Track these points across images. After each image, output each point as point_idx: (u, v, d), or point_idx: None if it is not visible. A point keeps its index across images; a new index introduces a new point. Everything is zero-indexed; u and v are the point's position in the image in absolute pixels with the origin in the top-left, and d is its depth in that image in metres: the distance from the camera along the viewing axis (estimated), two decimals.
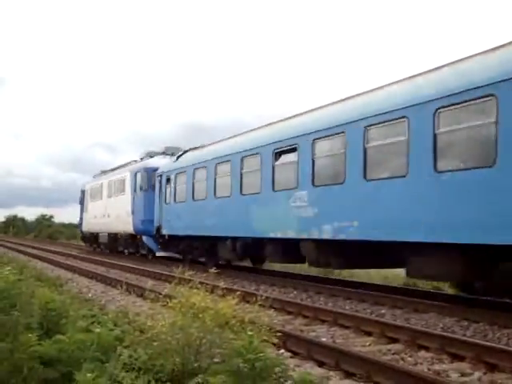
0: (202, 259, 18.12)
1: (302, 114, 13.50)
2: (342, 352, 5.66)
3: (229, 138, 17.01)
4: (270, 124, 14.78)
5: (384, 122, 9.82)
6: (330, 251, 11.44)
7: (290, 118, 13.94)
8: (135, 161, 25.96)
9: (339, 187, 10.74)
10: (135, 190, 23.59)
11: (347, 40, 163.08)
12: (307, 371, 4.95)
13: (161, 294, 5.25)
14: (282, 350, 6.22)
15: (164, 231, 19.83)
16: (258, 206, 13.63)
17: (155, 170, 21.60)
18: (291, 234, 12.18)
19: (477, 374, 5.38)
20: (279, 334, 5.02)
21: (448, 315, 8.62)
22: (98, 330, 4.86)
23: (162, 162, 21.98)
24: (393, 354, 6.29)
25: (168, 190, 19.75)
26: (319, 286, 12.37)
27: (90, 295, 11.03)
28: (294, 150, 12.28)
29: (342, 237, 10.58)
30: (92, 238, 31.88)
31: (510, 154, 7.45)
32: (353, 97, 11.74)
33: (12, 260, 15.18)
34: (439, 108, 8.54)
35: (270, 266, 18.24)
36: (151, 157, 24.05)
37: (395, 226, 9.38)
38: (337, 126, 10.96)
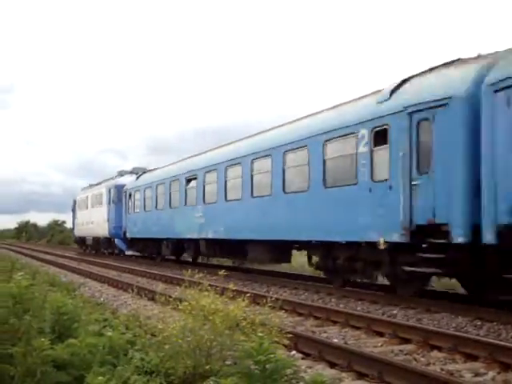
0: (154, 255, 24.41)
1: (194, 155, 20.78)
2: (353, 353, 5.64)
3: (166, 165, 23.79)
4: (184, 159, 21.88)
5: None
6: (213, 247, 17.85)
7: (194, 155, 20.88)
8: (112, 178, 31.74)
9: (215, 204, 17.07)
10: (109, 203, 29.57)
11: (350, 43, 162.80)
12: (319, 372, 4.93)
13: (171, 297, 5.28)
14: (294, 352, 6.21)
15: (128, 235, 26.24)
16: (179, 216, 20.04)
17: (123, 186, 27.42)
18: (195, 235, 18.46)
19: (490, 374, 5.34)
20: (290, 335, 5.02)
21: (461, 315, 8.55)
22: (109, 334, 4.87)
23: (128, 180, 27.86)
24: (405, 354, 6.25)
25: (130, 203, 26.16)
26: (330, 287, 12.34)
27: (101, 299, 11.09)
28: (195, 178, 18.77)
29: (217, 236, 16.83)
30: (81, 241, 38.26)
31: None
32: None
33: (24, 266, 15.27)
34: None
35: (279, 267, 18.22)
36: (122, 175, 30.06)
37: (240, 229, 15.20)
38: (214, 164, 17.39)
